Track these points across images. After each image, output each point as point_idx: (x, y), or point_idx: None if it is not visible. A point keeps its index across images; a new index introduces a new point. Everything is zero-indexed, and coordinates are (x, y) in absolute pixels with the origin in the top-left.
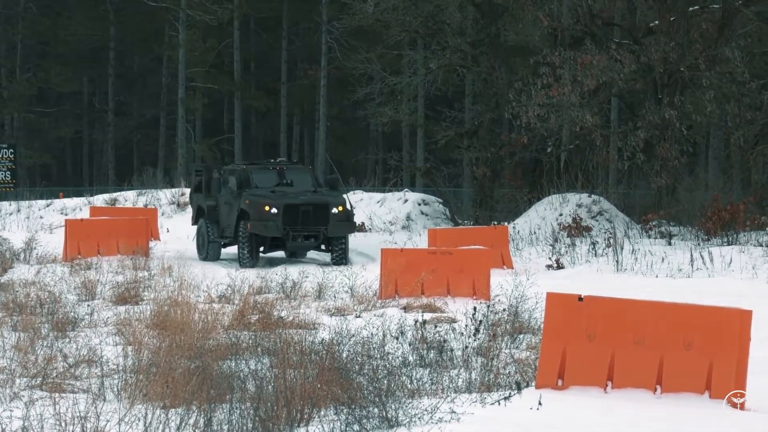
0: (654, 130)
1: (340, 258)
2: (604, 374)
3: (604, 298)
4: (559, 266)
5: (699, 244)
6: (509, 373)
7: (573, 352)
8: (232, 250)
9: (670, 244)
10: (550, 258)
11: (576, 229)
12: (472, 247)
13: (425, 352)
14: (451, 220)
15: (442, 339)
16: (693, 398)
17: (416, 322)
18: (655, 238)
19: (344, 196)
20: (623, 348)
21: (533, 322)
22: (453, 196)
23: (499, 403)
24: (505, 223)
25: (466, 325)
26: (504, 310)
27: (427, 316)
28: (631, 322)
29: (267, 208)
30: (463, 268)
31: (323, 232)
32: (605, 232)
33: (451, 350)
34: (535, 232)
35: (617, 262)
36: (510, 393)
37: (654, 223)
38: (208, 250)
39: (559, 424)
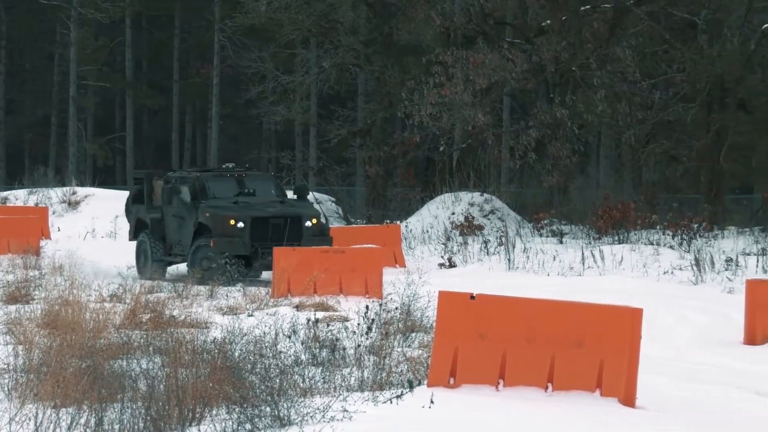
0: (546, 129)
1: None
2: (495, 372)
3: (496, 297)
4: (452, 265)
5: (590, 243)
6: (401, 371)
7: (465, 350)
8: (181, 268)
9: (561, 242)
10: (442, 256)
11: (468, 228)
12: (365, 245)
13: (318, 350)
14: (343, 219)
15: (334, 338)
16: (584, 396)
17: (309, 320)
18: (547, 236)
19: (316, 206)
20: (515, 346)
21: (425, 321)
22: (346, 195)
23: (392, 402)
24: (398, 222)
25: (359, 324)
26: (396, 308)
27: (320, 314)
28: (522, 321)
29: (232, 222)
30: (356, 267)
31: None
32: (497, 231)
33: (344, 349)
34: (427, 231)
35: (509, 260)
36: (402, 391)
37: (545, 221)
38: (152, 269)
39: (451, 423)
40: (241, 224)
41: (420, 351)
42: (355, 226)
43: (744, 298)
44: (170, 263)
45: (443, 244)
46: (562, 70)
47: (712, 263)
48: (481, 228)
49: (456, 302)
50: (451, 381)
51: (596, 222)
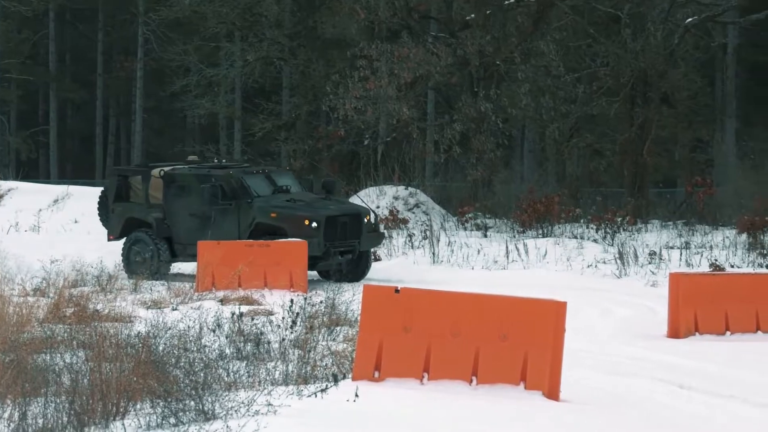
0: (470, 122)
1: (364, 275)
2: (420, 366)
3: (421, 290)
4: (376, 258)
5: (514, 236)
6: (326, 365)
7: (389, 344)
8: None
9: (485, 236)
10: None
11: (393, 222)
12: (290, 239)
13: (242, 344)
14: None
15: (259, 331)
16: (509, 389)
17: (233, 314)
18: (471, 230)
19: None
20: (439, 340)
21: (350, 314)
22: None
23: (316, 396)
24: None
25: (283, 318)
26: (321, 302)
27: (244, 308)
28: (447, 314)
29: (307, 221)
30: (281, 261)
31: (357, 247)
32: (422, 225)
33: (268, 343)
34: None
35: (434, 254)
36: (327, 385)
37: (470, 215)
38: (156, 270)
39: (376, 416)
40: (315, 224)
41: (345, 345)
42: None
43: (667, 291)
44: (174, 262)
45: None
46: (487, 64)
47: (636, 257)
48: (405, 221)
49: (380, 296)
50: (376, 374)
51: (520, 216)
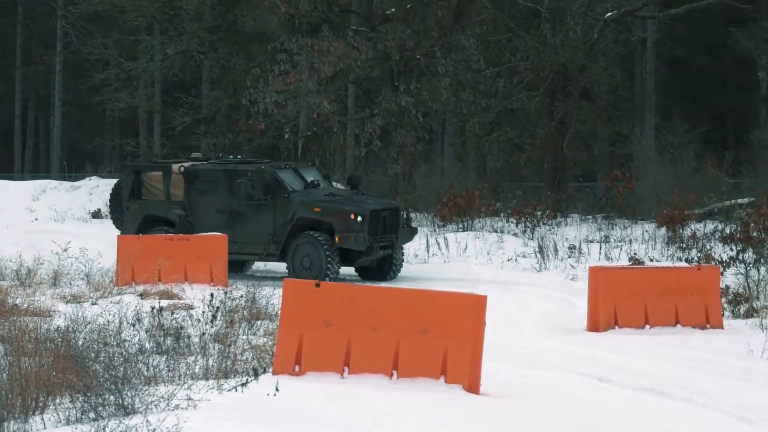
0: (390, 117)
1: (397, 272)
2: (341, 360)
3: (341, 285)
4: None
5: (435, 231)
6: (246, 359)
7: (310, 338)
8: None
9: None
10: None
11: None
12: (210, 233)
13: (162, 339)
14: None
15: (179, 326)
16: (429, 383)
17: (153, 308)
18: None
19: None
20: (360, 334)
21: (270, 309)
22: None
23: (237, 390)
24: None
25: (204, 312)
26: (241, 296)
27: (164, 302)
28: (367, 308)
29: (353, 216)
30: (201, 255)
31: (394, 242)
32: None
33: (188, 337)
34: None
35: None
36: (247, 379)
37: None
38: None
39: (296, 410)
40: (360, 218)
41: (265, 339)
42: None
43: (587, 285)
44: None
45: None
46: (407, 58)
47: (556, 250)
48: None
49: (301, 290)
50: (297, 369)
51: (441, 209)
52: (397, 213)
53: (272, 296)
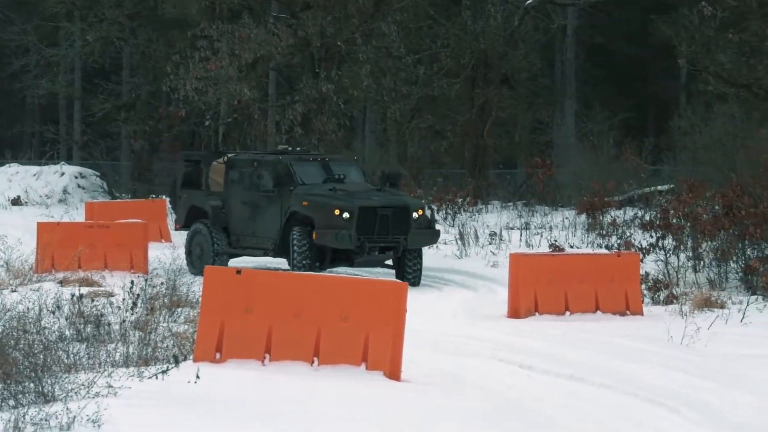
0: (311, 103)
1: (416, 277)
2: (262, 347)
3: (263, 272)
4: None
5: None
6: (167, 346)
7: (231, 325)
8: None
9: None
10: None
11: None
12: (130, 220)
13: (82, 326)
14: (108, 194)
15: (99, 313)
16: (350, 370)
17: (73, 296)
18: None
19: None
20: (281, 321)
21: (191, 296)
22: (111, 170)
23: (157, 377)
24: (163, 197)
25: (124, 299)
26: (162, 283)
27: (85, 290)
28: (289, 296)
29: (337, 211)
30: (121, 242)
31: (402, 244)
32: None
33: (109, 324)
34: None
35: None
36: (168, 367)
37: None
38: (214, 263)
39: (217, 397)
40: (347, 214)
41: (186, 326)
42: (120, 200)
43: (507, 271)
44: (233, 256)
45: None
46: (328, 45)
47: (477, 237)
48: None
49: (222, 277)
50: (217, 356)
51: None
52: (406, 212)
53: (193, 283)
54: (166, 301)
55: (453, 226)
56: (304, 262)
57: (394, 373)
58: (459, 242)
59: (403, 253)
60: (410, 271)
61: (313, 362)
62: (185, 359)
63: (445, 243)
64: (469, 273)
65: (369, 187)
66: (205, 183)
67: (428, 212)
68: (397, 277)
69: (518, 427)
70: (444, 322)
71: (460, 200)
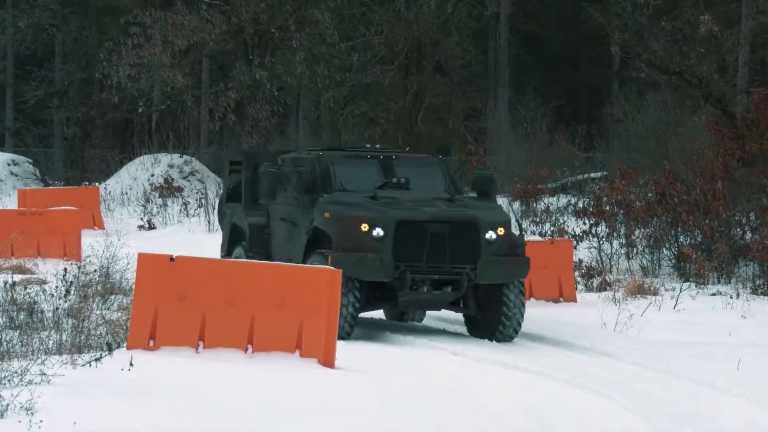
0: (245, 90)
1: (505, 330)
2: (195, 334)
3: (196, 259)
4: (151, 226)
5: None
6: (100, 334)
7: (164, 312)
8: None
9: None
10: (141, 218)
11: (168, 190)
12: (63, 207)
13: (15, 313)
14: (41, 181)
15: (32, 300)
16: (284, 357)
17: (6, 283)
18: None
19: (504, 209)
20: (215, 308)
21: (125, 283)
22: (43, 157)
23: (91, 365)
24: (97, 184)
25: (57, 287)
26: (95, 270)
27: (17, 277)
28: (222, 283)
29: (365, 226)
30: (54, 229)
31: (468, 276)
32: (197, 193)
33: (42, 312)
34: (126, 193)
35: (209, 222)
36: (101, 354)
37: None
38: None
39: (151, 385)
40: (379, 231)
41: (119, 313)
42: (53, 188)
43: None
44: None
45: (142, 206)
46: (261, 31)
47: None
48: (180, 190)
49: (155, 264)
50: (151, 343)
51: None
52: (473, 230)
53: (126, 270)
54: (99, 288)
55: None
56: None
57: (328, 361)
58: None
59: (477, 291)
60: (489, 316)
61: (247, 350)
62: (119, 347)
63: None
64: None
65: (434, 195)
66: (256, 193)
67: (515, 230)
68: (470, 329)
69: (452, 414)
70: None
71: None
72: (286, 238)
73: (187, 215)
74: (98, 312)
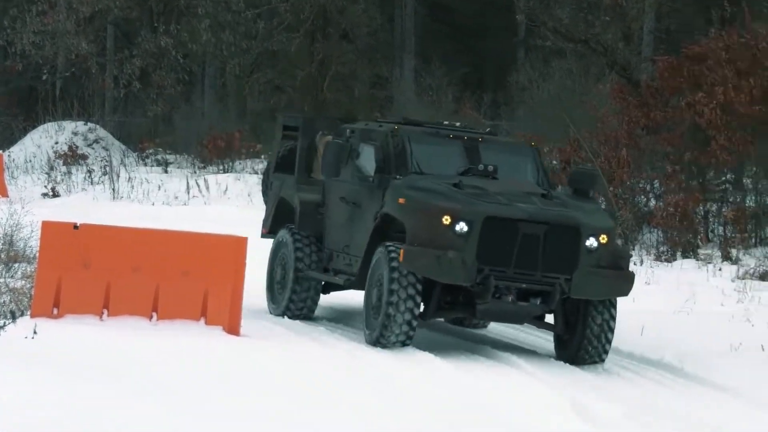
0: (150, 58)
1: (595, 351)
2: (100, 302)
3: (100, 226)
4: (55, 194)
5: (195, 172)
6: (4, 302)
7: (68, 280)
8: (352, 299)
9: (166, 172)
10: (45, 186)
11: (72, 158)
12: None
13: None
14: None
15: None
16: (189, 325)
17: None
18: (152, 166)
19: (606, 211)
20: (119, 276)
21: (29, 251)
22: None
23: None
24: (0, 152)
25: None
26: None
27: None
28: (127, 250)
29: (447, 219)
30: None
31: (561, 288)
32: (101, 160)
33: None
34: (30, 161)
35: (114, 189)
36: (4, 322)
37: (150, 151)
38: (291, 296)
39: (55, 353)
40: (462, 226)
41: (23, 282)
42: None
43: None
44: (328, 288)
45: (46, 173)
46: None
47: None
48: (85, 157)
49: (59, 232)
50: (55, 311)
51: (201, 151)
52: (573, 235)
53: (30, 238)
54: (2, 256)
55: None
56: (392, 301)
57: (233, 328)
58: None
59: (570, 306)
60: (585, 341)
61: (151, 317)
62: (23, 315)
63: None
64: None
65: (528, 189)
66: (310, 165)
67: (618, 240)
68: (559, 350)
69: (356, 381)
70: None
71: None
72: (344, 221)
73: (92, 183)
74: (2, 280)
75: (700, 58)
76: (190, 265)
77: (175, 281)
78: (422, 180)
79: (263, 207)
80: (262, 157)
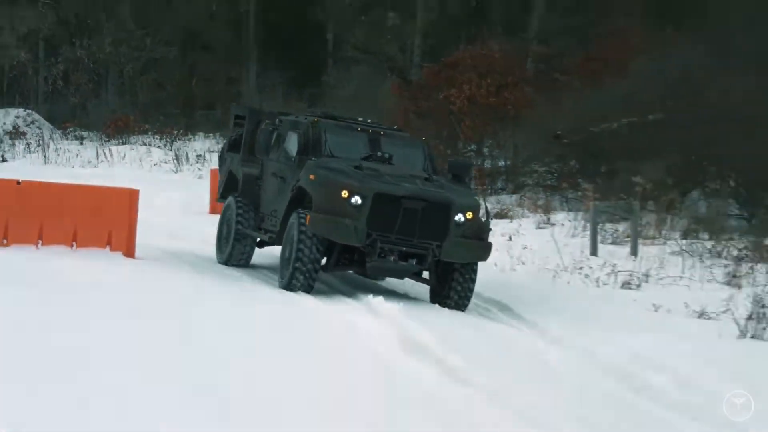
0: (70, 64)
1: (460, 301)
2: (36, 235)
3: (36, 182)
4: (4, 160)
5: (102, 144)
6: None
7: (13, 221)
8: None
9: (82, 144)
10: None
11: (15, 134)
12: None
13: None
14: None
15: None
16: (99, 251)
17: None
18: (72, 140)
19: (475, 195)
20: (49, 217)
21: None
22: None
23: None
24: None
25: None
26: None
27: None
28: (55, 199)
29: (345, 193)
30: None
31: (433, 252)
32: (36, 136)
33: None
34: None
35: (45, 157)
36: None
37: (71, 129)
38: (232, 249)
39: (5, 269)
40: (357, 199)
41: None
42: None
43: (209, 182)
44: (262, 243)
45: None
46: (81, 22)
47: (187, 158)
48: (24, 134)
49: (6, 186)
50: (5, 242)
51: (107, 129)
52: (445, 210)
53: None
54: None
55: (171, 150)
56: (299, 256)
57: (130, 252)
58: (175, 162)
59: (442, 266)
60: (449, 291)
61: (72, 246)
62: None
63: (166, 162)
64: (182, 183)
65: (413, 173)
66: (246, 147)
67: (482, 217)
68: (432, 297)
69: (217, 279)
70: (166, 217)
71: (176, 132)
72: (274, 191)
73: (30, 152)
74: None
75: (453, 65)
76: (100, 208)
77: (88, 220)
78: (331, 162)
79: (150, 168)
80: (150, 133)
